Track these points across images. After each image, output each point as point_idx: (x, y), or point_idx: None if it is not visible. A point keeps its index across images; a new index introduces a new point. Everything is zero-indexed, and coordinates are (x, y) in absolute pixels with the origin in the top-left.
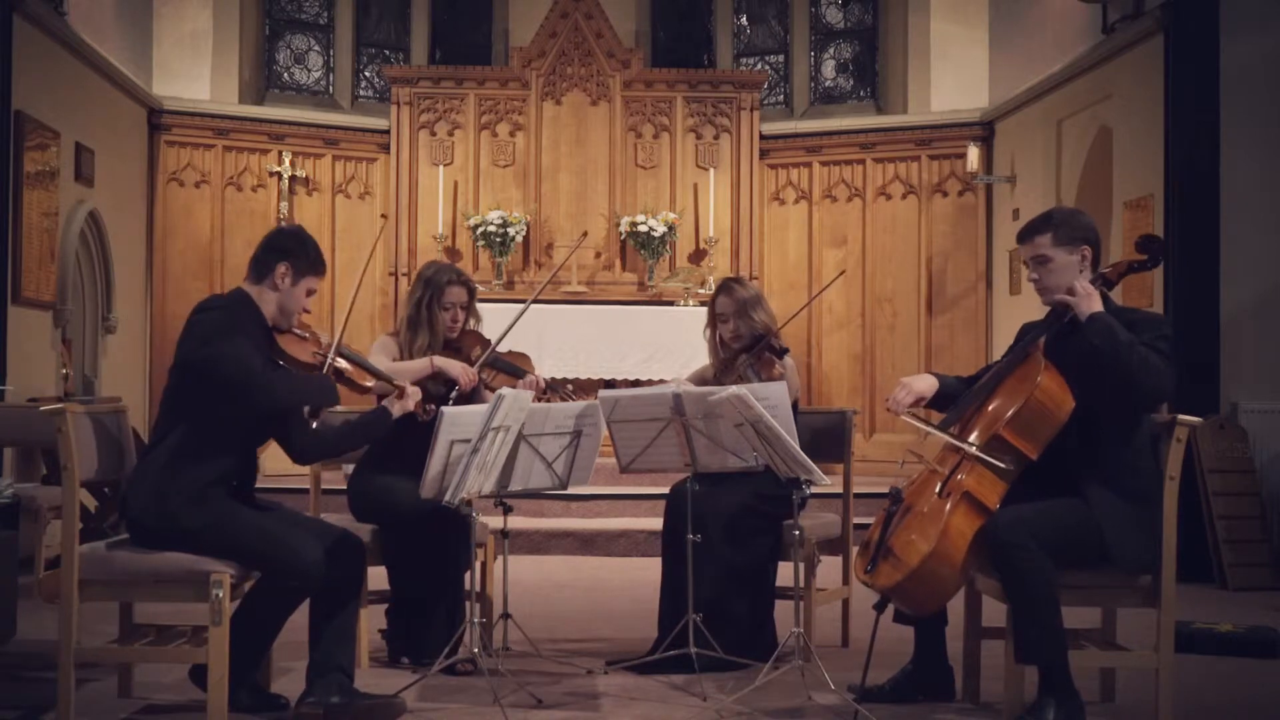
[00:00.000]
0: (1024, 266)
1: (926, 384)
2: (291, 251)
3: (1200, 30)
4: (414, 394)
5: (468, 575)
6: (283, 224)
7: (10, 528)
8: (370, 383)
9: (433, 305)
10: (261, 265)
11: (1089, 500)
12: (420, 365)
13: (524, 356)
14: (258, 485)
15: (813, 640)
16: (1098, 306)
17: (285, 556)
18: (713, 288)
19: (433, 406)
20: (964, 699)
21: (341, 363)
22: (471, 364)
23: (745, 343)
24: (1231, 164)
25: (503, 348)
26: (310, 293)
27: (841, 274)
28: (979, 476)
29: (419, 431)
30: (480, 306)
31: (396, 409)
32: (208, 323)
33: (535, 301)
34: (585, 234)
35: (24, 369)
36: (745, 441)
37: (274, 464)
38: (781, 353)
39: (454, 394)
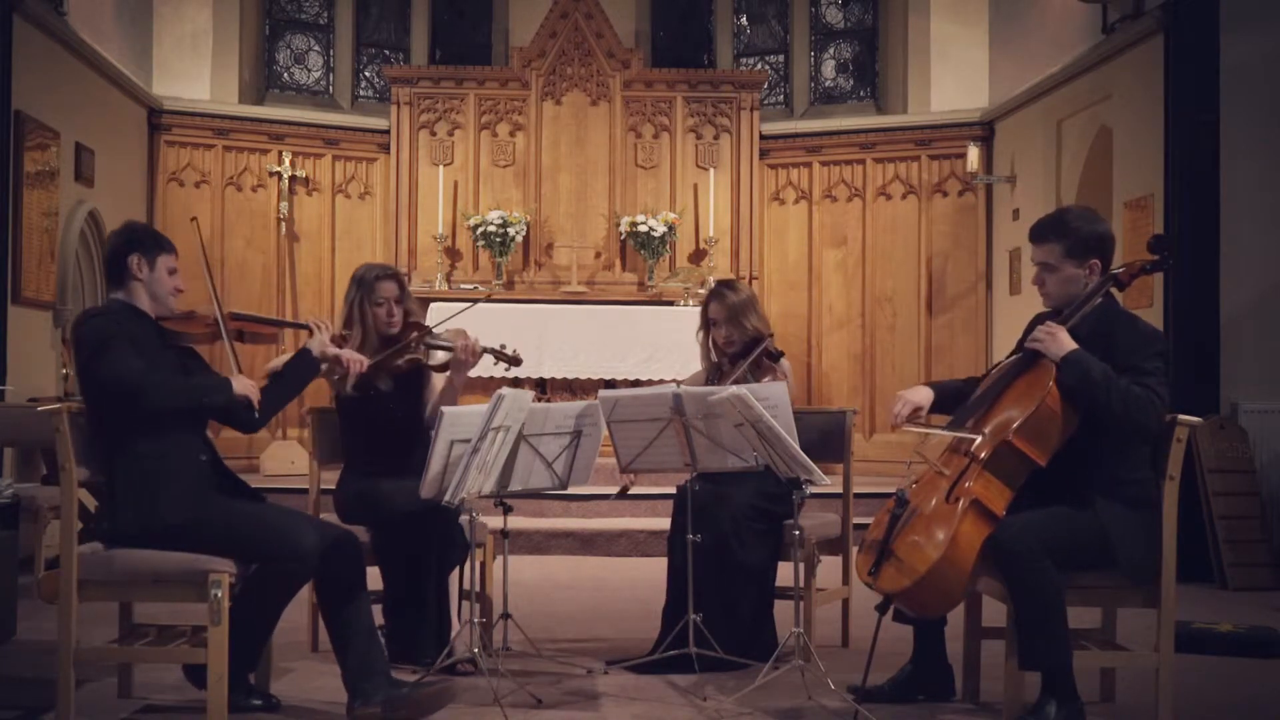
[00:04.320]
0: (1032, 264)
1: (922, 395)
2: (132, 242)
3: (1200, 30)
4: (325, 326)
5: (464, 575)
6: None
7: (10, 528)
8: (274, 334)
9: (364, 303)
10: (115, 270)
11: (1095, 508)
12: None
13: (459, 331)
14: (257, 485)
15: (813, 640)
16: (1068, 346)
17: (281, 541)
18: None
19: (364, 360)
20: (964, 699)
21: (235, 323)
22: (411, 349)
23: (739, 348)
24: (1231, 164)
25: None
26: (172, 271)
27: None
28: (986, 483)
29: (390, 434)
30: (478, 307)
31: (315, 346)
32: (95, 331)
33: (487, 301)
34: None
35: (24, 369)
36: (745, 441)
37: (273, 464)
38: (777, 357)
39: (351, 388)
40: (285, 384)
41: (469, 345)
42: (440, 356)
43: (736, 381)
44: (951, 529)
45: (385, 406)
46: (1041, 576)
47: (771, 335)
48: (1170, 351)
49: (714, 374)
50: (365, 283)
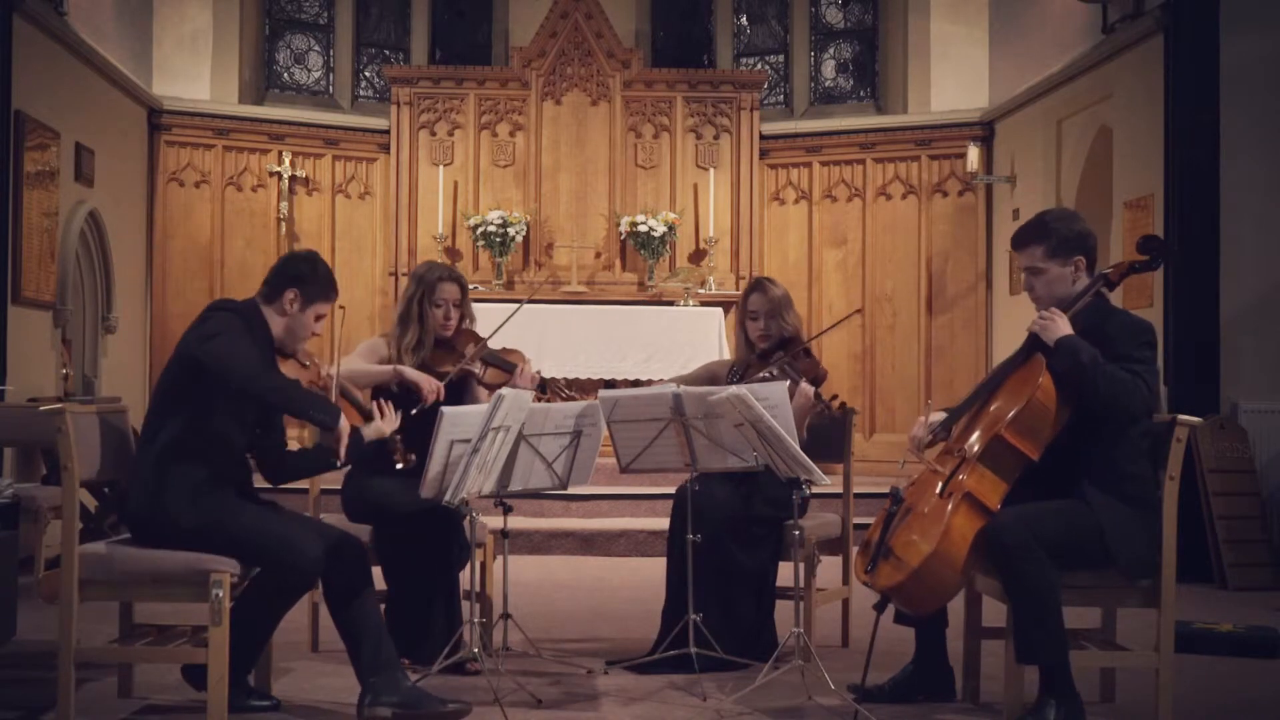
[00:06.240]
0: (1018, 271)
1: (938, 417)
2: (302, 278)
3: (1200, 30)
4: (389, 416)
5: (465, 575)
6: (297, 248)
7: (10, 528)
8: (357, 421)
9: (424, 302)
10: (272, 288)
11: (1090, 502)
12: (384, 371)
13: (517, 353)
14: (256, 486)
15: (813, 640)
16: (1064, 330)
17: (285, 551)
18: (713, 288)
19: (413, 457)
20: (964, 699)
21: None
22: (463, 359)
23: (773, 344)
24: (1231, 164)
25: (496, 346)
26: (319, 318)
27: (858, 311)
28: (980, 477)
29: (411, 434)
30: (478, 306)
31: (370, 432)
32: (223, 320)
33: (530, 302)
34: None
35: (24, 369)
36: (745, 441)
37: None
38: (811, 356)
39: (417, 409)
40: (326, 459)
41: (529, 373)
42: (497, 377)
43: (771, 373)
44: (944, 523)
45: (425, 411)
46: (1035, 568)
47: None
48: (1162, 345)
49: (742, 367)
50: (426, 282)
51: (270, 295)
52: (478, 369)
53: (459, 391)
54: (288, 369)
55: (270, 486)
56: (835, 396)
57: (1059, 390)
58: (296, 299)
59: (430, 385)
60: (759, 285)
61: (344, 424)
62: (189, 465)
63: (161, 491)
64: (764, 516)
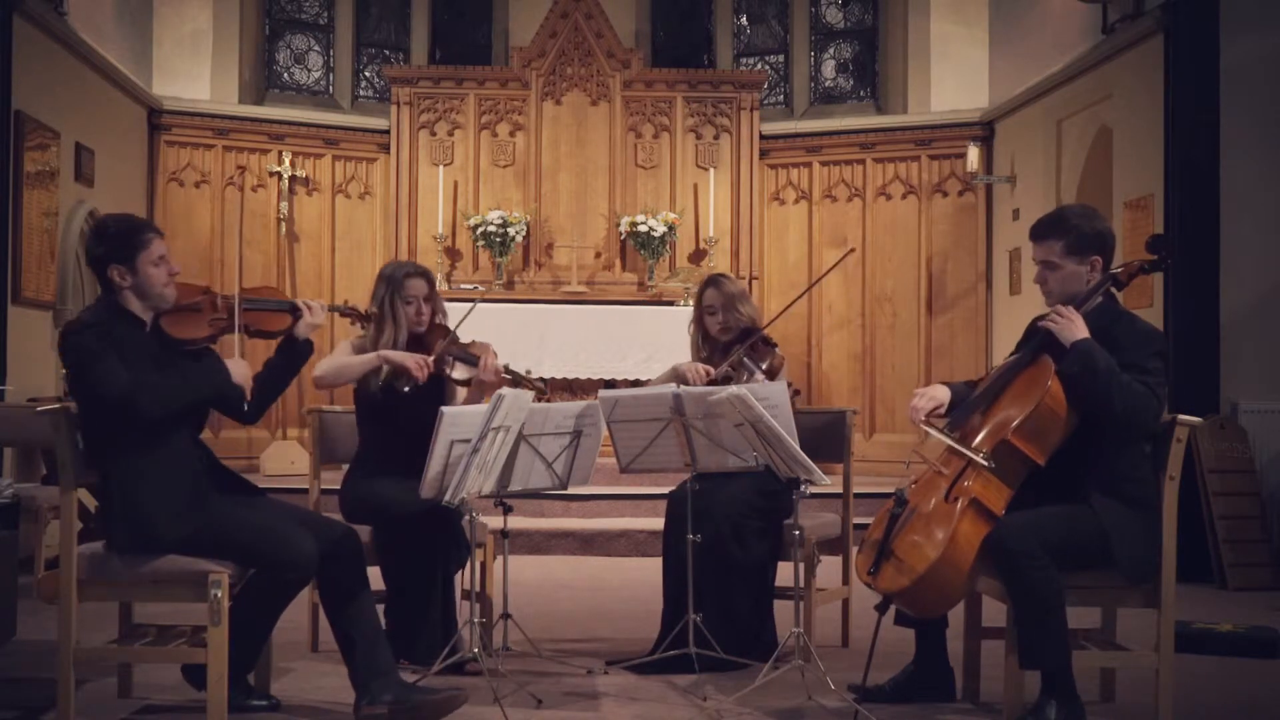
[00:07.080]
0: (1033, 263)
1: (942, 393)
2: (107, 256)
3: (1200, 30)
4: (318, 307)
5: (464, 575)
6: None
7: (10, 528)
8: (286, 324)
9: (395, 300)
10: (99, 281)
11: (1094, 506)
12: (368, 359)
13: (482, 345)
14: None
15: (813, 640)
16: (1081, 333)
17: (279, 548)
18: None
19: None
20: (964, 699)
21: (245, 315)
22: (439, 361)
23: (733, 336)
24: (1231, 164)
25: (468, 339)
26: (157, 263)
27: (851, 251)
28: (985, 482)
29: (408, 435)
30: (480, 307)
31: (302, 330)
32: (79, 348)
33: (484, 301)
34: None
35: (24, 369)
36: (745, 441)
37: (274, 464)
38: (772, 344)
39: (408, 387)
40: (279, 372)
41: (492, 366)
42: (463, 371)
43: (732, 365)
44: (950, 528)
45: (404, 408)
46: (1041, 575)
47: (763, 327)
48: (1170, 351)
49: (709, 360)
50: (395, 280)
51: (106, 288)
52: (446, 366)
53: (433, 386)
54: (175, 325)
55: (262, 477)
56: (790, 383)
57: (1068, 395)
58: (121, 271)
59: (415, 361)
60: (713, 281)
61: (241, 376)
62: (159, 479)
63: (142, 512)
64: (761, 514)
